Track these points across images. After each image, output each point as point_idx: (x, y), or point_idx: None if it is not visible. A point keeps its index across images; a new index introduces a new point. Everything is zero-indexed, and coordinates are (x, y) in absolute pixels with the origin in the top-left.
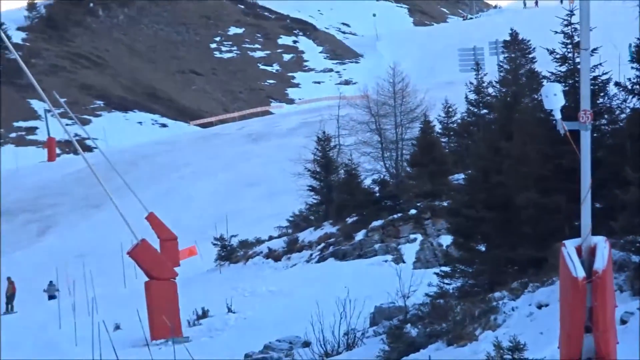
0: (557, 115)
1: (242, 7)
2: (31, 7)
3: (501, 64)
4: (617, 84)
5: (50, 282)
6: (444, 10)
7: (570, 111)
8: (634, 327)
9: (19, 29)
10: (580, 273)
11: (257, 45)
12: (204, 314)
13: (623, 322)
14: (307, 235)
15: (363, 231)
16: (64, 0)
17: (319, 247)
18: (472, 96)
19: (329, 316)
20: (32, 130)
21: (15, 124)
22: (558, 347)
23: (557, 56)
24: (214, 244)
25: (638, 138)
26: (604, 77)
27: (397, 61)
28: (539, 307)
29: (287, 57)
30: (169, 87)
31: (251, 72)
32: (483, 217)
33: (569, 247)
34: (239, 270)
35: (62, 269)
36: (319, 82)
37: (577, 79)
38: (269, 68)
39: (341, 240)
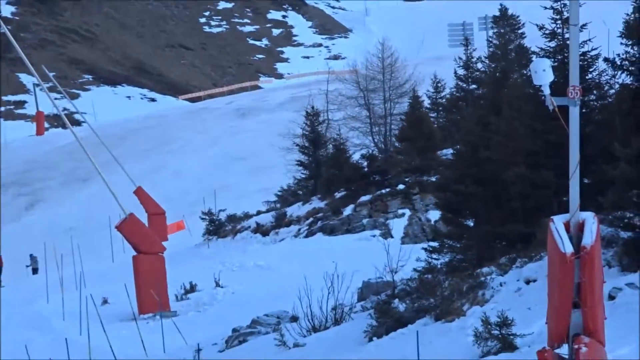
0: (546, 90)
1: None
2: None
3: (490, 39)
4: (606, 59)
5: (31, 255)
6: None
7: (559, 87)
8: (622, 302)
9: (8, 2)
10: (569, 249)
11: (246, 20)
12: (192, 289)
13: (611, 297)
14: (296, 210)
15: (351, 206)
16: None
17: (307, 221)
18: (461, 71)
19: (316, 291)
20: (20, 104)
21: (4, 98)
22: (546, 322)
23: (547, 32)
24: (202, 219)
25: (627, 114)
26: (593, 53)
27: (386, 36)
28: (527, 282)
29: (276, 31)
30: (158, 61)
31: (240, 47)
32: (472, 193)
33: (558, 222)
34: (227, 244)
35: (50, 243)
36: (308, 57)
37: (566, 54)
38: (258, 43)
39: (329, 215)
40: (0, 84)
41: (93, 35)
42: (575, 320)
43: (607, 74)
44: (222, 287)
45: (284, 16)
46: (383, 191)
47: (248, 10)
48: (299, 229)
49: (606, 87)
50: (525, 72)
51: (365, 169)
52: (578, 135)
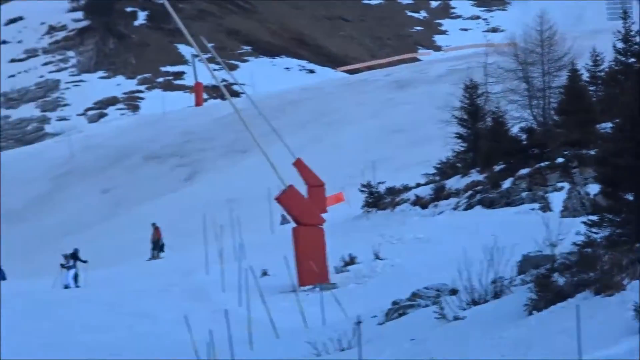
0: None
1: None
2: None
3: None
4: None
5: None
6: None
7: None
8: None
9: None
10: None
11: None
12: (352, 261)
13: None
14: (454, 182)
15: (510, 179)
16: None
17: (466, 194)
18: (620, 45)
19: (476, 264)
20: (179, 75)
21: (163, 69)
22: None
23: None
24: (361, 191)
25: None
26: None
27: (544, 9)
28: None
29: (434, 3)
30: (317, 32)
31: (398, 19)
32: (631, 166)
33: None
34: (386, 217)
35: (210, 215)
36: (466, 29)
37: None
38: (416, 15)
39: (488, 188)
40: None
41: (251, 6)
42: None
43: None
44: (381, 259)
45: None
46: (542, 164)
47: None
48: (458, 202)
49: None
50: None
51: (524, 142)
52: None
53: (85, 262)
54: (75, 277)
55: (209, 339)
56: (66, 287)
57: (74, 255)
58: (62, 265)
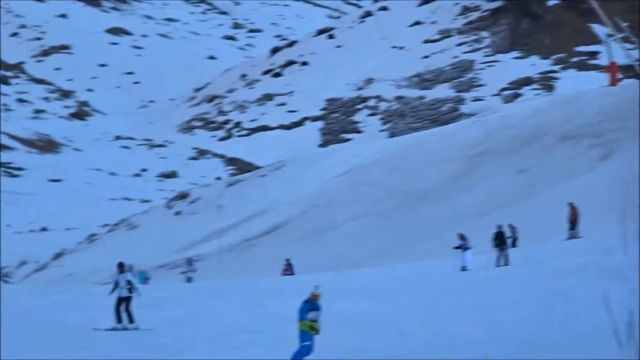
0: None
1: None
2: None
3: None
4: None
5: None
6: None
7: None
8: None
9: None
10: None
11: None
12: None
13: None
14: None
15: None
16: None
17: None
18: None
19: None
20: (593, 54)
21: (577, 49)
22: None
23: None
24: None
25: None
26: None
27: None
28: None
29: None
30: None
31: None
32: None
33: None
34: None
35: (627, 192)
36: None
37: None
38: None
39: None
40: None
41: None
42: None
43: None
44: None
45: None
46: None
47: None
48: None
49: None
50: None
51: None
52: None
53: (514, 246)
54: (506, 258)
55: (628, 318)
56: (463, 269)
57: (500, 235)
58: (457, 247)
